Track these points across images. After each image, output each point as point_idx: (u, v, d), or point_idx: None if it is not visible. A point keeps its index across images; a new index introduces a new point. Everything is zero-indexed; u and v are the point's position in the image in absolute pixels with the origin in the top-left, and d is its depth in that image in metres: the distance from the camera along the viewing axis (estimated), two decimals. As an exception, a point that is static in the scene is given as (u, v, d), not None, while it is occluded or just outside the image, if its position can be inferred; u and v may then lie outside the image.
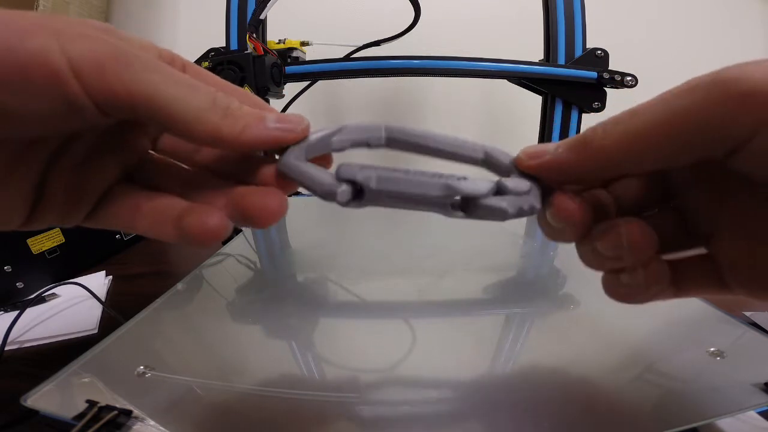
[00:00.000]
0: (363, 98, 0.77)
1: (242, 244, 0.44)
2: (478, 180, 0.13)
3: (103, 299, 0.36)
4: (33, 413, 0.21)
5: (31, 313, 0.34)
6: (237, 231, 0.50)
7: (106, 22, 0.13)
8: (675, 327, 0.27)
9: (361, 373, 0.24)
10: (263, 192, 0.14)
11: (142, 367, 0.23)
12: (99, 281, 0.41)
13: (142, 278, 0.43)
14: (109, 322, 0.32)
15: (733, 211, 0.13)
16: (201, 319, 0.30)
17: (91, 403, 0.20)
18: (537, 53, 0.52)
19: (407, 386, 0.22)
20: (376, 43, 0.53)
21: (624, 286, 0.16)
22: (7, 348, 0.29)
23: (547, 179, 0.14)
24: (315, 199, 0.14)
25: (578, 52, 0.49)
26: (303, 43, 0.54)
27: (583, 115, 0.51)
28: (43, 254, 0.40)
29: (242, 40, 0.44)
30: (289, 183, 0.14)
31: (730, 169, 0.12)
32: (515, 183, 0.14)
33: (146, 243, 0.53)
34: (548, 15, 0.50)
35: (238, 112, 0.13)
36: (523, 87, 0.52)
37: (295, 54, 0.52)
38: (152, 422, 0.20)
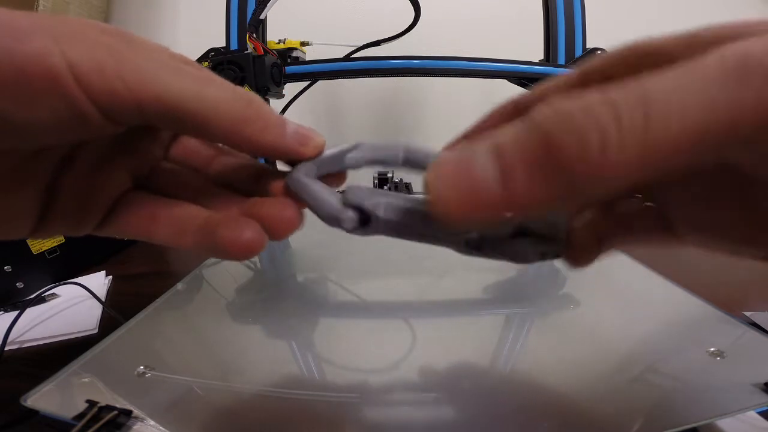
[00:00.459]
0: (363, 98, 0.77)
1: (242, 244, 0.44)
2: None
3: (103, 299, 0.36)
4: (33, 413, 0.21)
5: (31, 313, 0.34)
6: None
7: (106, 23, 0.12)
8: (675, 327, 0.27)
9: (361, 373, 0.24)
10: (280, 203, 0.13)
11: (142, 367, 0.23)
12: (99, 281, 0.41)
13: (142, 278, 0.43)
14: (109, 322, 0.32)
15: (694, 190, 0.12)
16: (201, 319, 0.30)
17: (91, 403, 0.20)
18: (537, 53, 0.52)
19: (407, 386, 0.22)
20: (376, 43, 0.52)
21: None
22: (7, 348, 0.29)
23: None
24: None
25: (578, 52, 0.49)
26: (303, 43, 0.54)
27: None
28: (43, 254, 0.40)
29: (242, 40, 0.44)
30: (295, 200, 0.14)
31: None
32: (539, 224, 0.13)
33: (146, 243, 0.53)
34: (548, 15, 0.50)
35: (262, 108, 0.12)
36: (523, 87, 0.52)
37: (295, 54, 0.52)
38: (152, 422, 0.20)
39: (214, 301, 0.33)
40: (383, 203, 0.12)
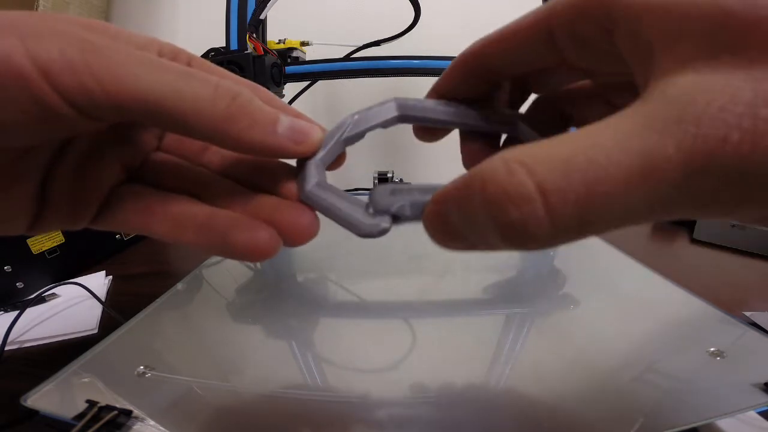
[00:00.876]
0: (363, 98, 0.77)
1: (242, 244, 0.44)
2: None
3: (103, 299, 0.36)
4: (33, 413, 0.21)
5: (31, 313, 0.34)
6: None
7: (103, 21, 0.12)
8: (675, 327, 0.27)
9: (361, 373, 0.24)
10: (296, 209, 0.13)
11: (142, 367, 0.23)
12: (99, 281, 0.41)
13: (142, 278, 0.43)
14: (109, 322, 0.32)
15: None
16: (201, 319, 0.30)
17: (91, 403, 0.20)
18: (537, 53, 0.52)
19: (407, 386, 0.22)
20: (376, 43, 0.53)
21: None
22: (7, 348, 0.29)
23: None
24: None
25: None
26: (303, 43, 0.54)
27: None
28: (43, 254, 0.40)
29: (242, 40, 0.44)
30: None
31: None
32: None
33: (146, 243, 0.53)
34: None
35: (249, 104, 0.12)
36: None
37: (295, 54, 0.52)
38: (152, 422, 0.20)
39: (214, 301, 0.33)
40: (408, 204, 0.13)
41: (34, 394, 0.21)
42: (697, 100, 0.07)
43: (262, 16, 0.43)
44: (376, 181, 0.63)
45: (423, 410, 0.21)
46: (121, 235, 0.50)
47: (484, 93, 0.14)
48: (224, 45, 0.45)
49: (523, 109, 0.16)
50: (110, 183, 0.14)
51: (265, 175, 0.15)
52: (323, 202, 0.13)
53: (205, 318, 0.30)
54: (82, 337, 0.32)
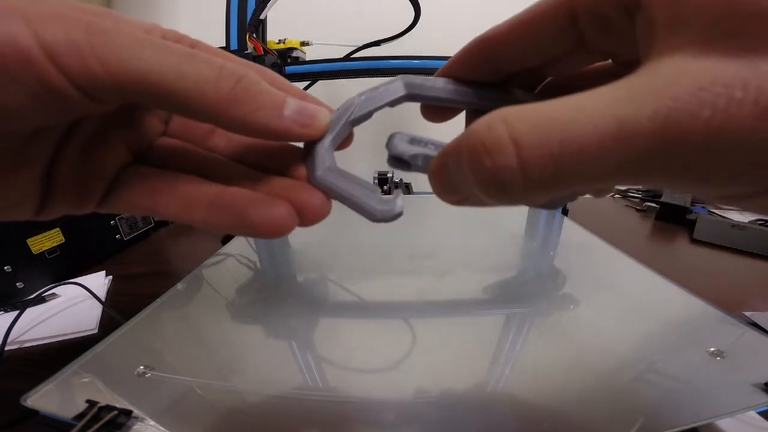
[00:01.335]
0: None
1: (242, 244, 0.44)
2: None
3: (103, 299, 0.36)
4: (33, 413, 0.21)
5: (31, 313, 0.34)
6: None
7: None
8: (675, 327, 0.27)
9: (361, 373, 0.24)
10: (308, 190, 0.13)
11: (142, 367, 0.23)
12: (99, 281, 0.41)
13: (142, 278, 0.43)
14: (109, 322, 0.32)
15: None
16: (201, 319, 0.30)
17: (91, 403, 0.20)
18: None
19: (407, 386, 0.22)
20: (376, 43, 0.53)
21: None
22: (7, 348, 0.29)
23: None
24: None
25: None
26: (303, 43, 0.54)
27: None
28: (43, 254, 0.40)
29: (242, 40, 0.44)
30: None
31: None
32: None
33: (146, 243, 0.53)
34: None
35: (255, 87, 0.11)
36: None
37: (295, 54, 0.52)
38: (152, 422, 0.20)
39: (214, 301, 0.33)
40: (422, 155, 0.13)
41: (34, 394, 0.21)
42: (680, 80, 0.08)
43: (262, 16, 0.43)
44: (376, 181, 0.63)
45: (423, 410, 0.21)
46: (121, 235, 0.50)
47: (495, 80, 0.14)
48: (224, 45, 0.45)
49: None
50: (116, 165, 0.14)
51: (274, 158, 0.15)
52: (335, 187, 0.13)
53: (205, 318, 0.30)
54: (82, 337, 0.32)
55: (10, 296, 0.37)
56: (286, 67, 0.47)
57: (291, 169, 0.14)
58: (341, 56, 0.51)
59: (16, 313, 0.32)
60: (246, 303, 0.32)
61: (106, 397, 0.21)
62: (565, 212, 0.51)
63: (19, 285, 0.38)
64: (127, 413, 0.20)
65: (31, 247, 0.39)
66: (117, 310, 0.33)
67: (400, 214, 0.13)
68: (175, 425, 0.20)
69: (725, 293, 0.36)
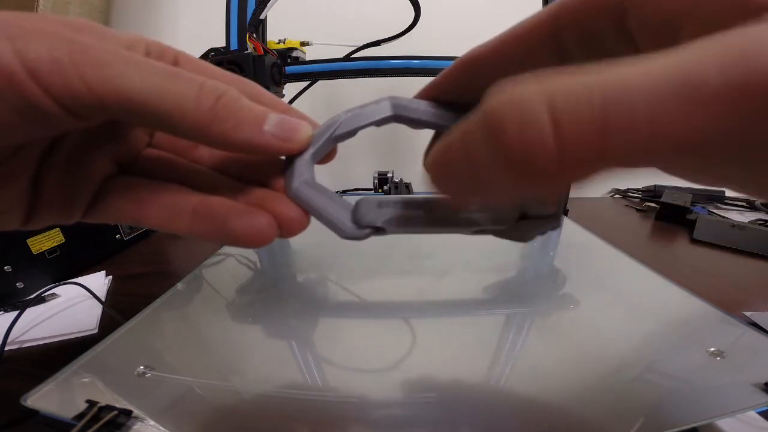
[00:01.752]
0: (363, 98, 0.77)
1: (242, 244, 0.44)
2: (501, 210, 0.13)
3: (103, 299, 0.36)
4: (33, 413, 0.21)
5: (31, 313, 0.34)
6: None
7: (105, 23, 0.12)
8: (675, 327, 0.27)
9: (361, 373, 0.24)
10: (287, 203, 0.13)
11: (142, 367, 0.23)
12: (99, 281, 0.41)
13: (142, 278, 0.43)
14: (109, 322, 0.32)
15: None
16: (201, 319, 0.30)
17: (91, 403, 0.20)
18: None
19: (407, 386, 0.22)
20: (376, 43, 0.53)
21: None
22: (7, 348, 0.29)
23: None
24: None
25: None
26: (303, 43, 0.54)
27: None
28: (43, 254, 0.40)
29: (242, 40, 0.44)
30: None
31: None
32: (538, 208, 0.13)
33: (146, 243, 0.53)
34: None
35: (235, 104, 0.12)
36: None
37: (295, 54, 0.52)
38: (152, 422, 0.20)
39: (214, 301, 0.33)
40: (395, 218, 0.13)
41: (34, 394, 0.21)
42: (737, 38, 0.06)
43: (262, 16, 0.43)
44: (376, 181, 0.63)
45: (423, 410, 0.21)
46: (121, 235, 0.50)
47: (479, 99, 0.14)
48: (224, 45, 0.45)
49: None
50: (101, 177, 0.14)
51: (257, 169, 0.15)
52: (309, 200, 0.13)
53: (205, 318, 0.30)
54: (82, 337, 0.32)
55: (10, 296, 0.37)
56: (286, 67, 0.47)
57: (273, 181, 0.14)
58: (341, 56, 0.51)
59: (16, 313, 0.32)
60: (246, 303, 0.32)
61: (106, 397, 0.21)
62: (565, 212, 0.51)
63: (19, 285, 0.38)
64: (127, 413, 0.20)
65: (31, 247, 0.39)
66: (117, 310, 0.33)
67: (369, 235, 0.13)
68: (175, 425, 0.20)
69: (725, 293, 0.36)
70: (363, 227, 0.13)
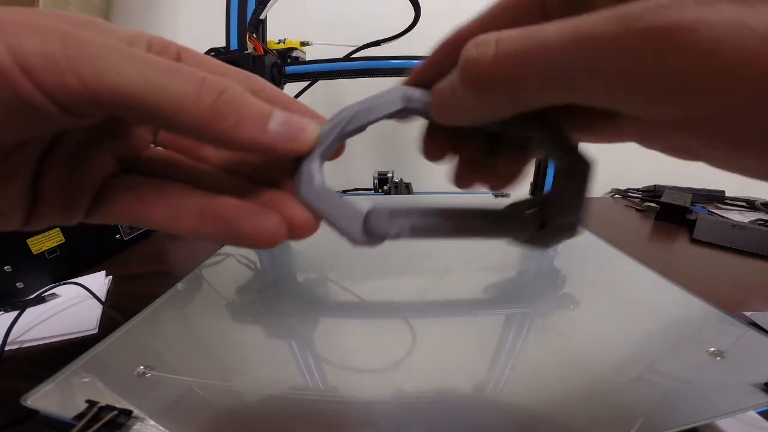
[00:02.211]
0: (363, 98, 0.77)
1: (242, 244, 0.44)
2: (519, 221, 0.13)
3: (103, 299, 0.36)
4: (33, 413, 0.21)
5: (31, 313, 0.34)
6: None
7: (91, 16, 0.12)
8: (675, 327, 0.27)
9: (361, 374, 0.24)
10: (298, 205, 0.13)
11: (142, 367, 0.23)
12: (99, 281, 0.41)
13: (142, 278, 0.43)
14: (109, 322, 0.32)
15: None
16: (201, 319, 0.30)
17: (91, 403, 0.20)
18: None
19: (407, 386, 0.22)
20: (376, 43, 0.53)
21: None
22: (7, 348, 0.29)
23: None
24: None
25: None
26: (303, 43, 0.54)
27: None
28: (43, 254, 0.40)
29: (242, 40, 0.44)
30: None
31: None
32: (559, 215, 0.13)
33: (146, 243, 0.53)
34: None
35: (237, 100, 0.11)
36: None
37: (295, 54, 0.52)
38: (152, 422, 0.20)
39: (214, 301, 0.33)
40: (407, 228, 0.13)
41: (34, 394, 0.21)
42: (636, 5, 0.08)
43: (262, 16, 0.43)
44: (376, 181, 0.63)
45: (423, 410, 0.21)
46: (121, 235, 0.50)
47: None
48: (224, 45, 0.45)
49: None
50: (103, 175, 0.14)
51: (265, 169, 0.14)
52: (320, 207, 0.13)
53: (205, 318, 0.30)
54: (82, 337, 0.32)
55: (10, 296, 0.37)
56: (286, 67, 0.47)
57: (282, 180, 0.14)
58: (341, 56, 0.51)
59: (16, 313, 0.32)
60: (246, 303, 0.32)
61: (106, 397, 0.21)
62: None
63: (19, 285, 0.38)
64: (127, 413, 0.20)
65: (31, 247, 0.39)
66: (117, 310, 0.33)
67: (380, 242, 0.13)
68: (175, 425, 0.20)
69: (725, 293, 0.36)
70: (374, 238, 0.13)
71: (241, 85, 0.11)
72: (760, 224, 0.53)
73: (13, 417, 0.21)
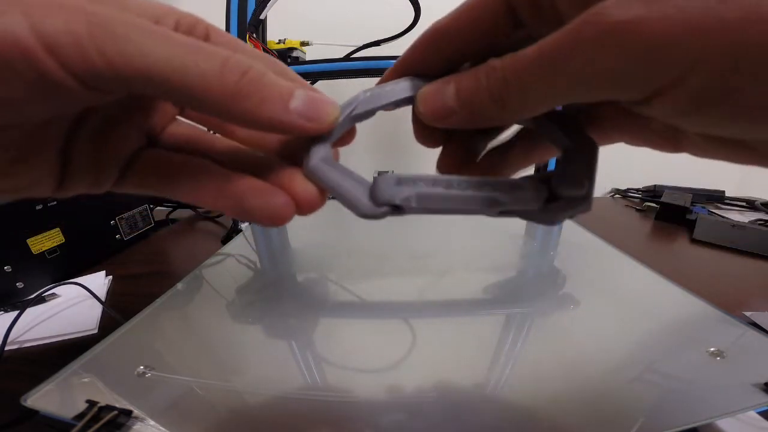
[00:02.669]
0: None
1: (242, 244, 0.44)
2: (527, 189, 0.13)
3: (103, 299, 0.36)
4: (33, 413, 0.21)
5: (31, 313, 0.34)
6: (237, 230, 0.50)
7: None
8: (675, 327, 0.27)
9: (361, 373, 0.24)
10: (302, 180, 0.13)
11: (142, 367, 0.23)
12: (99, 281, 0.41)
13: (142, 278, 0.43)
14: (109, 322, 0.32)
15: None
16: (201, 319, 0.30)
17: (91, 403, 0.20)
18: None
19: (407, 386, 0.22)
20: (376, 43, 0.53)
21: None
22: (7, 348, 0.29)
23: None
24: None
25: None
26: (303, 43, 0.54)
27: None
28: (43, 254, 0.40)
29: (242, 40, 0.44)
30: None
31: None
32: (568, 189, 0.13)
33: (146, 243, 0.53)
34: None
35: (260, 80, 0.11)
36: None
37: (295, 54, 0.52)
38: (152, 422, 0.20)
39: (214, 301, 0.33)
40: (414, 196, 0.13)
41: (34, 394, 0.21)
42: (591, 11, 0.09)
43: (262, 16, 0.43)
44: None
45: (423, 410, 0.21)
46: (121, 235, 0.50)
47: (447, 67, 0.14)
48: (224, 45, 0.45)
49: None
50: (130, 149, 0.14)
51: (287, 145, 0.15)
52: (325, 178, 0.13)
53: (205, 318, 0.30)
54: (82, 337, 0.32)
55: (10, 296, 0.37)
56: (286, 67, 0.47)
57: (298, 156, 0.14)
58: (341, 56, 0.51)
59: (16, 313, 0.32)
60: (246, 303, 0.32)
61: (106, 397, 0.21)
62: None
63: (19, 285, 0.38)
64: (127, 413, 0.20)
65: (31, 247, 0.39)
66: (117, 310, 0.33)
67: (387, 213, 0.13)
68: (175, 425, 0.20)
69: (725, 293, 0.36)
70: (380, 205, 0.13)
71: (262, 63, 0.12)
72: (760, 224, 0.53)
73: (13, 417, 0.21)
